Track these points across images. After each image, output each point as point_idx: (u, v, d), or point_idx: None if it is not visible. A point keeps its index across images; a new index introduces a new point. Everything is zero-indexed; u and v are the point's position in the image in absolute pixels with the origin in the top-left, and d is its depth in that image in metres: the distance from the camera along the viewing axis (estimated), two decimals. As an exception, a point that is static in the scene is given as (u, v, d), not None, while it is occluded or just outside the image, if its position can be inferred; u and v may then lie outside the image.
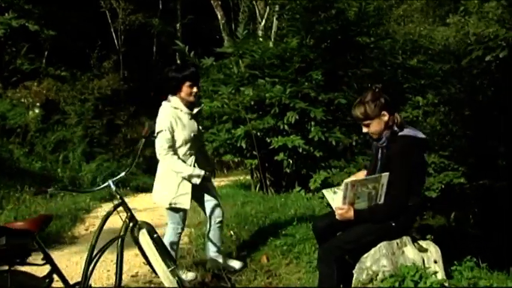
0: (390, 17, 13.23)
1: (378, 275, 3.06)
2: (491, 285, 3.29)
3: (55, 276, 2.85)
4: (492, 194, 8.39)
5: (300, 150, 8.95)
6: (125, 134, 19.02)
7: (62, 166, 13.43)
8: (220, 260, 4.40)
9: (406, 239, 3.23)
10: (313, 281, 3.82)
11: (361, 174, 3.58)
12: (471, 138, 9.13)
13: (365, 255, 3.22)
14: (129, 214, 3.35)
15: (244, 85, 9.39)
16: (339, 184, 9.49)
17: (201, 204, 4.51)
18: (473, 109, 9.28)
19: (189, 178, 4.14)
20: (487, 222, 8.44)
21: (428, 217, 10.10)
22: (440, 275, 3.06)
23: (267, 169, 9.90)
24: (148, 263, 3.42)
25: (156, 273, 3.46)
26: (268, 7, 10.08)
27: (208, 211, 4.46)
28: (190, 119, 4.19)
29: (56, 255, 5.68)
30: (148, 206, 9.53)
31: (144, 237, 3.37)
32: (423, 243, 3.28)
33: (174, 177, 4.15)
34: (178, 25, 21.72)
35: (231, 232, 5.50)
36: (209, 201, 4.43)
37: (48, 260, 2.79)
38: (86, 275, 2.96)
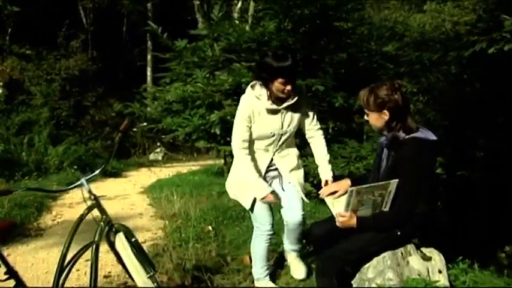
0: (367, 2, 12.98)
1: (382, 289, 2.83)
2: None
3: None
4: (470, 186, 8.30)
5: (276, 137, 8.73)
6: (93, 116, 18.46)
7: (27, 149, 12.89)
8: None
9: (411, 247, 3.01)
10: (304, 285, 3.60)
11: (345, 184, 3.32)
12: (449, 128, 9.01)
13: (366, 265, 2.98)
14: (104, 217, 3.03)
15: (219, 69, 9.09)
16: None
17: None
18: (455, 100, 9.15)
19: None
20: (464, 214, 8.37)
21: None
22: (441, 282, 2.87)
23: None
24: (125, 268, 3.12)
25: (133, 279, 3.16)
26: (244, -12, 9.74)
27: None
28: (274, 113, 3.57)
29: (21, 250, 5.34)
30: (118, 193, 9.21)
31: (121, 242, 3.06)
32: (426, 251, 3.07)
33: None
34: (149, 5, 21.08)
35: (209, 227, 5.23)
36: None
37: (12, 274, 2.48)
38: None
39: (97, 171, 3.13)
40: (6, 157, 11.73)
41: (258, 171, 3.64)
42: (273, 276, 3.85)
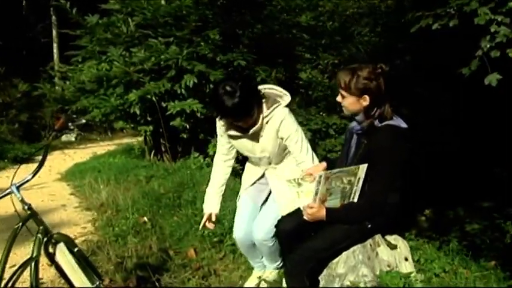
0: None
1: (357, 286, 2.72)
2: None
3: None
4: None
5: (198, 115, 8.50)
6: (-5, 98, 17.24)
7: None
8: None
9: (379, 238, 2.89)
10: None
11: (321, 167, 2.95)
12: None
13: (335, 259, 2.84)
14: (41, 228, 2.70)
15: (136, 45, 8.65)
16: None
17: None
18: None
19: None
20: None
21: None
22: (413, 273, 2.83)
23: (161, 135, 9.37)
24: (69, 282, 2.80)
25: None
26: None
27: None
28: (242, 139, 3.22)
29: None
30: (34, 182, 8.58)
31: (62, 254, 2.75)
32: (391, 239, 2.98)
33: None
34: (50, -24, 19.77)
35: (145, 218, 4.93)
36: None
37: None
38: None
39: (29, 177, 2.73)
40: None
41: (247, 180, 3.44)
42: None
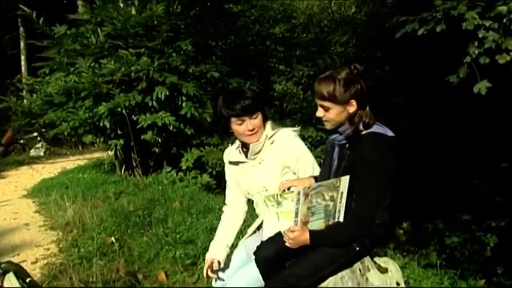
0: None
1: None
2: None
3: None
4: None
5: (171, 128, 8.25)
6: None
7: None
8: None
9: (368, 261, 2.65)
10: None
11: (308, 182, 2.70)
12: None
13: (321, 284, 2.60)
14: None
15: (105, 57, 8.38)
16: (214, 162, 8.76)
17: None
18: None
19: None
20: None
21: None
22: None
23: (132, 149, 9.08)
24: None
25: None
26: (128, -31, 9.01)
27: None
28: (243, 167, 3.04)
29: None
30: (-2, 200, 8.22)
31: (11, 285, 2.46)
32: (381, 261, 2.76)
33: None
34: (18, -14, 19.30)
35: (112, 239, 4.64)
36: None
37: None
38: None
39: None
40: None
41: (249, 229, 3.12)
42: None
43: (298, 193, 2.37)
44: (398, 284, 2.65)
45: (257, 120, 2.86)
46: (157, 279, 3.76)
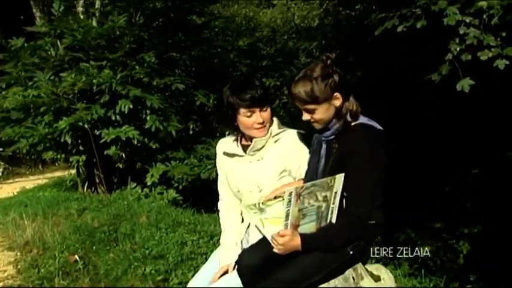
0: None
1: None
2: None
3: None
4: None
5: (135, 142, 7.99)
6: None
7: None
8: None
9: (361, 268, 2.49)
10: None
11: (294, 185, 2.44)
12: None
13: None
14: None
15: (65, 70, 8.10)
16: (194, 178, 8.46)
17: None
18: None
19: None
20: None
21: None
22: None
23: (95, 165, 8.78)
24: None
25: None
26: (88, -20, 8.78)
27: None
28: (241, 162, 2.85)
29: None
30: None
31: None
32: (373, 269, 2.61)
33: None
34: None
35: (76, 257, 4.35)
36: None
37: None
38: None
39: None
40: None
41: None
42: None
43: (290, 194, 2.17)
44: (391, 292, 2.50)
45: (267, 113, 2.70)
46: (128, 298, 3.53)
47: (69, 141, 7.94)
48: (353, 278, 2.44)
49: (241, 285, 2.50)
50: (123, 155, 8.38)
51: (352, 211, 2.29)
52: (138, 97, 7.73)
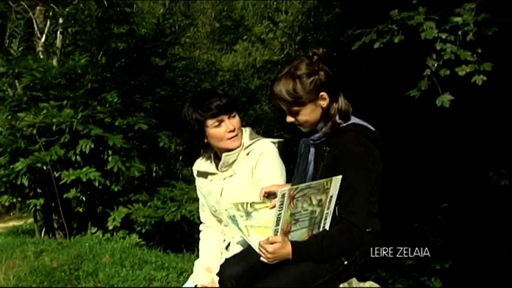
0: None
1: None
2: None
3: None
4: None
5: (96, 184, 7.69)
6: None
7: None
8: None
9: (356, 284, 2.33)
10: None
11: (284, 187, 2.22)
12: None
13: None
14: None
15: (24, 110, 7.83)
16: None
17: None
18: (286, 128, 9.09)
19: None
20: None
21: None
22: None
23: (54, 209, 8.41)
24: None
25: None
26: (49, 21, 8.64)
27: None
28: (213, 180, 2.73)
29: None
30: None
31: None
32: (365, 286, 2.44)
33: None
34: None
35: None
36: None
37: None
38: None
39: None
40: None
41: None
42: None
43: (283, 196, 1.98)
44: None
45: (236, 119, 2.57)
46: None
47: (26, 183, 7.61)
48: (347, 293, 2.25)
49: None
50: (83, 198, 8.03)
51: (347, 218, 2.13)
52: (100, 137, 7.50)
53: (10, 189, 8.06)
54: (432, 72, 4.58)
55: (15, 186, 7.75)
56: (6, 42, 9.68)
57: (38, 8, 8.66)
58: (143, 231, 8.16)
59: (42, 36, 8.57)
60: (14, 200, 8.49)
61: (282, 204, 2.00)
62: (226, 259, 2.40)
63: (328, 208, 2.11)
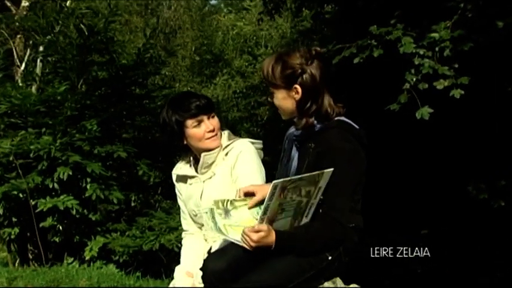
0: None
1: None
2: None
3: None
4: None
5: (74, 213, 7.58)
6: None
7: None
8: None
9: (340, 284, 2.30)
10: None
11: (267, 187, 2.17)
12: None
13: None
14: None
15: (0, 137, 7.76)
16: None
17: None
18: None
19: None
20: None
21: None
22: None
23: (29, 239, 8.24)
24: None
25: None
26: (28, 49, 8.67)
27: None
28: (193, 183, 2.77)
29: None
30: None
31: None
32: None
33: None
34: None
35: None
36: None
37: None
38: None
39: None
40: None
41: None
42: None
43: (275, 187, 2.00)
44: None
45: (215, 120, 2.61)
46: None
47: (1, 212, 7.48)
48: (332, 293, 2.23)
49: None
50: (60, 228, 7.90)
51: (330, 213, 2.15)
52: (78, 164, 7.43)
53: (-16, 218, 7.91)
54: (411, 86, 4.69)
55: (-11, 214, 7.61)
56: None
57: (18, 36, 8.68)
58: (121, 260, 8.02)
59: (21, 65, 8.56)
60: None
61: (272, 194, 2.02)
62: (209, 254, 2.39)
63: (315, 198, 2.14)
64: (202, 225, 2.71)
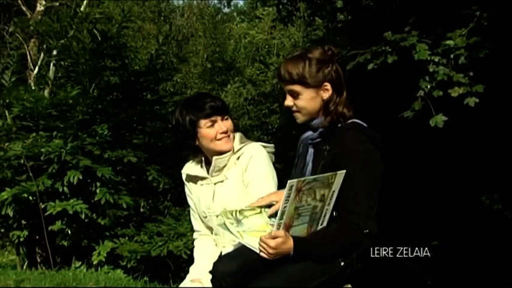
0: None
1: None
2: None
3: None
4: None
5: (83, 217, 7.57)
6: None
7: None
8: None
9: None
10: None
11: (280, 194, 2.16)
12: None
13: None
14: None
15: (13, 139, 7.78)
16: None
17: None
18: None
19: None
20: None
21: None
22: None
23: (38, 242, 8.24)
24: None
25: None
26: (42, 53, 8.72)
27: None
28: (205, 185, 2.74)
29: None
30: None
31: None
32: None
33: None
34: None
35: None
36: None
37: None
38: None
39: None
40: None
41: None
42: None
43: (291, 187, 1.95)
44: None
45: (229, 122, 2.60)
46: None
47: (11, 214, 7.48)
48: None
49: None
50: (69, 231, 7.89)
51: (347, 217, 2.11)
52: (88, 168, 7.42)
53: (-5, 220, 7.94)
54: (425, 93, 4.64)
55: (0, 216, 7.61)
56: None
57: (32, 40, 8.74)
58: (128, 266, 8.00)
59: (35, 68, 8.61)
60: (-3, 231, 8.32)
61: (288, 196, 1.97)
62: (220, 256, 2.35)
63: (329, 204, 2.10)
64: (212, 229, 2.68)
